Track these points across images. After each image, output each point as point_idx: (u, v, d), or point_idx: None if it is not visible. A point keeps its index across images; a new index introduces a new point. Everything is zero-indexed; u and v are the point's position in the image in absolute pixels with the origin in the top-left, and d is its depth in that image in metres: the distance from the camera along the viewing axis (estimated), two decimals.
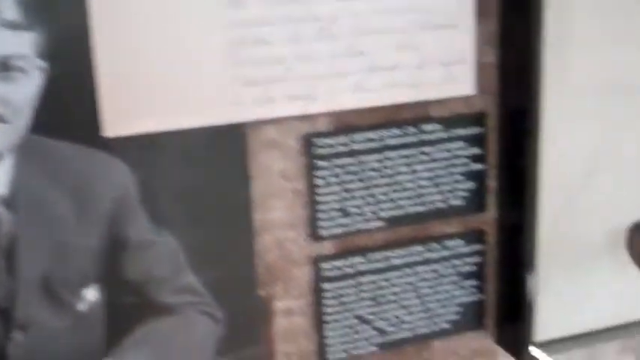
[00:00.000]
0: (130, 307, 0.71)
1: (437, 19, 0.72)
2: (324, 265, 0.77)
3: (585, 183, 0.78)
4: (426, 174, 0.77)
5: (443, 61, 0.73)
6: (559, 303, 0.80)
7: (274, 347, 0.78)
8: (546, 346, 0.80)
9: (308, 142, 0.73)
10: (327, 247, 0.77)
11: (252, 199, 0.72)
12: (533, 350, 0.80)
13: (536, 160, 0.76)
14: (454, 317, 0.82)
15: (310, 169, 0.74)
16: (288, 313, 0.77)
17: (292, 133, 0.73)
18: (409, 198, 0.77)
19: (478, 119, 0.78)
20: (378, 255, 0.78)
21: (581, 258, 0.81)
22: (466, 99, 0.77)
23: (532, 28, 0.74)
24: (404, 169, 0.76)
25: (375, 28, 0.70)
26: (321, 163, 0.74)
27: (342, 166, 0.74)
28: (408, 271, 0.79)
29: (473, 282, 0.82)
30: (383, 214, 0.77)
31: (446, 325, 0.82)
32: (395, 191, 0.77)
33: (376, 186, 0.76)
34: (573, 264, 0.81)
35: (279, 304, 0.77)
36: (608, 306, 0.80)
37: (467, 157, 0.78)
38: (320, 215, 0.75)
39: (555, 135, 0.76)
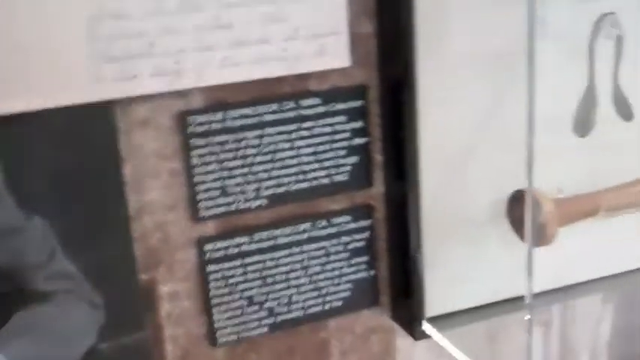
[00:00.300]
0: (3, 295, 0.68)
1: None
2: (208, 247, 0.75)
3: (466, 154, 0.78)
4: (307, 150, 0.77)
5: (314, 33, 0.72)
6: (449, 277, 0.80)
7: (162, 332, 0.76)
8: (438, 321, 0.80)
9: (182, 120, 0.72)
10: (210, 228, 0.75)
11: (125, 180, 0.71)
12: (425, 326, 0.79)
13: (415, 133, 0.76)
14: (347, 295, 0.81)
15: (186, 147, 0.72)
16: (174, 296, 0.76)
17: (165, 111, 0.71)
18: (292, 175, 0.77)
19: (358, 92, 0.77)
20: (263, 234, 0.77)
21: (468, 231, 0.80)
22: (346, 72, 0.76)
23: None
24: (284, 145, 0.76)
25: (241, 1, 0.69)
26: (196, 141, 0.72)
27: (219, 144, 0.73)
28: (295, 249, 0.78)
29: (364, 258, 0.81)
30: (265, 192, 0.76)
31: (339, 304, 0.81)
32: (276, 168, 0.76)
33: (256, 163, 0.75)
34: (461, 237, 0.80)
35: (164, 288, 0.75)
36: (496, 279, 0.80)
37: (349, 131, 0.78)
38: (199, 196, 0.74)
39: (433, 106, 0.76)
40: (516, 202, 0.75)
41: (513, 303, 0.79)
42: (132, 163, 0.71)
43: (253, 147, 0.75)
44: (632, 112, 0.77)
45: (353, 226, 0.80)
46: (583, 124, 0.75)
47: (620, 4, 0.75)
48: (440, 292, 0.80)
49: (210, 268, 0.76)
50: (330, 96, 0.76)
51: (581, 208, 0.74)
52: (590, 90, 0.74)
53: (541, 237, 0.72)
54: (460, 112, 0.77)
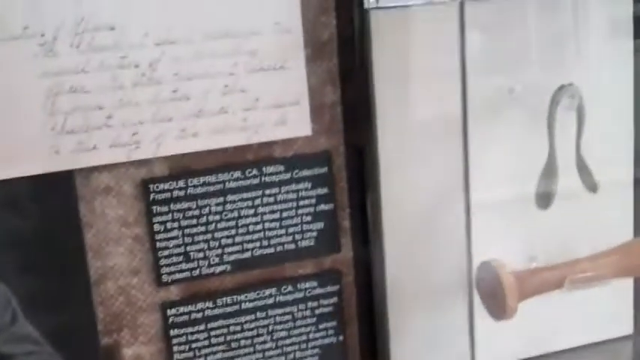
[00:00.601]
0: None
1: (264, 63, 0.72)
2: (171, 312, 0.76)
3: (430, 221, 0.78)
4: (271, 216, 0.77)
5: (274, 103, 0.74)
6: (415, 345, 0.79)
7: None
8: None
9: (144, 188, 0.73)
10: (174, 293, 0.77)
11: (87, 246, 0.72)
12: None
13: (378, 199, 0.76)
14: None
15: (148, 214, 0.74)
16: (138, 359, 0.77)
17: (128, 179, 0.73)
18: (256, 241, 0.77)
19: (323, 159, 0.78)
20: (227, 299, 0.78)
21: (435, 298, 0.79)
22: (311, 139, 0.77)
23: (366, 66, 0.74)
24: (248, 211, 0.76)
25: (198, 73, 0.71)
26: (158, 208, 0.74)
27: (181, 211, 0.75)
28: (260, 314, 0.79)
29: (332, 324, 0.81)
30: (229, 258, 0.77)
31: None
32: (240, 234, 0.77)
33: (219, 229, 0.76)
34: (427, 305, 0.79)
35: (129, 352, 0.77)
36: (462, 347, 0.79)
37: (314, 197, 0.78)
38: (162, 261, 0.75)
39: (396, 173, 0.76)
40: (481, 273, 0.74)
41: None
42: (95, 229, 0.73)
43: (216, 213, 0.76)
44: (596, 184, 0.75)
45: (320, 291, 0.80)
46: (544, 196, 0.74)
47: (584, 74, 0.74)
48: (406, 357, 0.79)
49: (174, 332, 0.77)
50: (294, 163, 0.77)
51: (546, 280, 0.73)
52: (550, 161, 0.73)
53: (501, 310, 0.71)
54: (422, 178, 0.77)
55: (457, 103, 0.76)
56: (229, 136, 0.73)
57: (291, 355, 0.81)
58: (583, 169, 0.74)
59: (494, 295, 0.71)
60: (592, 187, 0.74)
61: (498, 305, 0.71)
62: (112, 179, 0.73)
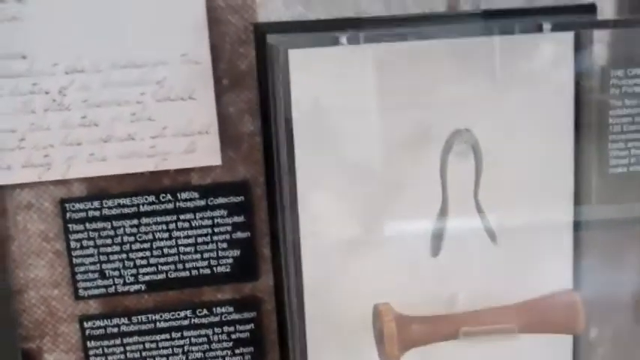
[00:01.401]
0: None
1: (172, 93, 0.74)
2: (88, 324, 0.80)
3: (346, 257, 0.77)
4: (186, 241, 0.79)
5: (182, 132, 0.75)
6: None
7: None
8: None
9: (62, 206, 0.77)
10: (92, 307, 0.80)
11: (10, 257, 0.78)
12: None
13: (297, 229, 0.76)
14: None
15: (66, 231, 0.78)
16: None
17: (48, 197, 0.78)
18: (170, 263, 0.80)
19: (240, 188, 0.79)
20: (142, 317, 0.81)
21: (350, 332, 0.78)
22: (229, 168, 0.78)
23: (283, 97, 0.75)
24: (163, 235, 0.79)
25: (106, 101, 0.74)
26: (74, 226, 0.78)
27: (96, 230, 0.78)
28: (175, 334, 0.81)
29: (249, 349, 0.82)
30: (144, 278, 0.80)
31: None
32: (154, 256, 0.79)
33: (134, 250, 0.79)
34: (342, 339, 0.78)
35: (50, 358, 0.81)
36: None
37: (230, 225, 0.79)
38: (78, 276, 0.79)
39: (312, 205, 0.76)
40: (373, 316, 0.73)
41: None
42: (18, 242, 0.78)
43: (130, 235, 0.79)
44: (494, 232, 0.71)
45: (237, 317, 0.82)
46: (436, 243, 0.71)
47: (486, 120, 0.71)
48: None
49: (91, 344, 0.81)
50: (209, 191, 0.78)
51: (439, 329, 0.70)
52: (443, 208, 0.70)
53: (384, 357, 0.69)
54: (338, 213, 0.76)
55: (372, 139, 0.74)
56: (137, 162, 0.76)
57: None
58: (483, 217, 0.70)
59: (381, 339, 0.69)
60: (492, 236, 0.71)
61: (383, 351, 0.69)
62: (33, 196, 0.77)
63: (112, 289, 0.80)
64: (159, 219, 0.78)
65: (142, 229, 0.78)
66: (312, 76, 0.71)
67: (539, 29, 0.69)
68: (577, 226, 0.78)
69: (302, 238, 0.74)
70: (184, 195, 0.78)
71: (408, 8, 0.79)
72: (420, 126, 0.71)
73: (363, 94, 0.73)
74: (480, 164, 0.68)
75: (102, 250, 0.79)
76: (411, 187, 0.71)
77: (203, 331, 0.81)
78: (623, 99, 0.80)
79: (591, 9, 0.79)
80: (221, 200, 0.79)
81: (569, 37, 0.77)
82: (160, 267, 0.80)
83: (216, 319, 0.81)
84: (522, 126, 0.73)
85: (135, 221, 0.78)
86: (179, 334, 0.81)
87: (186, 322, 0.81)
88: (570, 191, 0.77)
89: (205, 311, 0.81)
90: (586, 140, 0.78)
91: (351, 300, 0.75)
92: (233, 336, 0.82)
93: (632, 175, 0.81)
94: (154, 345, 0.81)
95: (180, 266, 0.80)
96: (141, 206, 0.78)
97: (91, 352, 0.81)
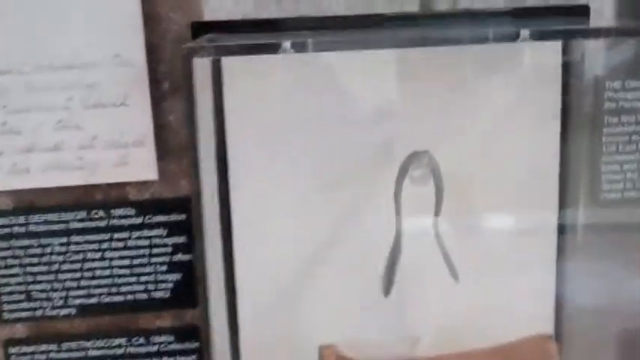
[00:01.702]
0: None
1: (103, 98, 0.67)
2: (14, 350, 0.73)
3: (283, 294, 0.68)
4: (121, 262, 0.72)
5: (114, 142, 0.67)
6: None
7: None
8: None
9: None
10: (19, 331, 0.73)
11: None
12: None
13: (231, 253, 0.68)
14: None
15: None
16: None
17: None
18: (103, 286, 0.72)
19: (182, 205, 0.71)
20: (72, 344, 0.73)
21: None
22: (170, 182, 0.70)
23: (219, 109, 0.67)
24: (94, 255, 0.71)
25: (29, 106, 0.66)
26: None
27: (22, 248, 0.71)
28: None
29: None
30: (74, 302, 0.72)
31: None
32: (85, 278, 0.72)
33: (63, 271, 0.71)
34: None
35: None
36: None
37: (170, 245, 0.71)
38: (4, 298, 0.72)
39: (248, 226, 0.68)
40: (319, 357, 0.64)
41: None
42: None
43: (59, 254, 0.71)
44: (456, 271, 0.61)
45: (177, 346, 0.74)
46: (388, 281, 0.62)
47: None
48: None
49: None
50: (147, 207, 0.70)
51: None
52: (396, 241, 0.61)
53: None
54: (277, 235, 0.68)
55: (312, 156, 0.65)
56: (64, 175, 0.68)
57: None
58: (443, 251, 0.61)
59: None
60: (454, 274, 0.61)
61: None
62: None
63: (39, 312, 0.72)
64: (90, 237, 0.71)
65: (72, 247, 0.71)
66: (250, 85, 0.62)
67: (516, 37, 0.59)
68: (561, 257, 0.68)
69: (237, 269, 0.66)
70: (119, 211, 0.70)
71: (375, 7, 0.70)
72: (379, 146, 0.62)
73: (308, 107, 0.64)
74: (441, 191, 0.59)
75: (28, 269, 0.71)
76: (365, 214, 0.62)
77: None
78: (619, 115, 0.70)
79: (584, 11, 0.69)
80: (160, 218, 0.71)
81: (556, 42, 0.67)
82: (91, 290, 0.72)
83: (154, 348, 0.73)
84: (500, 146, 0.63)
85: (64, 239, 0.71)
86: None
87: (120, 351, 0.73)
88: (554, 219, 0.67)
89: (142, 339, 0.73)
90: (575, 161, 0.69)
91: (295, 343, 0.66)
92: None
93: (626, 202, 0.71)
94: None
95: (114, 290, 0.72)
96: (70, 223, 0.70)
97: None
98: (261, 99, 0.64)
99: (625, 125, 0.70)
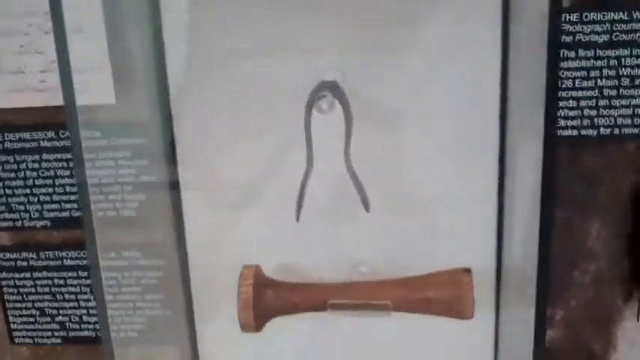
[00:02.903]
0: None
1: None
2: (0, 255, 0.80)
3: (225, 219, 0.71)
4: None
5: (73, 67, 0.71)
6: None
7: None
8: None
9: None
10: (4, 239, 0.80)
11: None
12: None
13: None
14: (144, 322, 0.80)
15: None
16: None
17: None
18: (73, 201, 0.77)
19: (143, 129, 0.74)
20: (50, 253, 0.79)
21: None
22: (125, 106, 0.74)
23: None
24: (64, 172, 0.76)
25: None
26: None
27: (0, 163, 0.77)
28: (82, 273, 0.79)
29: (158, 296, 0.79)
30: (48, 215, 0.78)
31: (134, 335, 0.81)
32: (57, 193, 0.77)
33: (37, 186, 0.77)
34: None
35: None
36: None
37: (134, 167, 0.75)
38: None
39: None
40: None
41: None
42: None
43: (33, 170, 0.76)
44: (367, 200, 0.62)
45: (145, 262, 0.78)
46: (297, 207, 0.63)
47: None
48: None
49: (3, 275, 0.80)
50: (112, 129, 0.74)
51: (306, 298, 0.63)
52: (306, 173, 0.61)
53: (241, 325, 0.64)
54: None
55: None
56: (27, 97, 0.72)
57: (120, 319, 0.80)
58: (356, 182, 0.61)
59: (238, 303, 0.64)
60: (366, 205, 0.62)
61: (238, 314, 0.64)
62: None
63: (19, 223, 0.78)
64: (59, 156, 0.75)
65: (44, 164, 0.76)
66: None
67: None
68: (501, 200, 0.68)
69: (183, 191, 0.69)
70: (86, 133, 0.74)
71: None
72: (312, 80, 0.62)
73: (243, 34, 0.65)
74: (350, 121, 0.59)
75: (7, 183, 0.77)
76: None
77: (112, 274, 0.79)
78: (576, 49, 0.67)
79: None
80: (124, 141, 0.74)
81: None
82: (63, 205, 0.77)
83: (125, 262, 0.78)
84: (436, 84, 0.62)
85: (37, 156, 0.76)
86: (86, 273, 0.79)
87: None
88: (495, 158, 0.66)
89: (113, 254, 0.78)
90: (523, 97, 0.67)
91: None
92: (142, 281, 0.79)
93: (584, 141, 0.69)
94: (62, 282, 0.80)
95: None
96: (41, 141, 0.75)
97: (4, 283, 0.81)
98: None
99: (582, 60, 0.68)
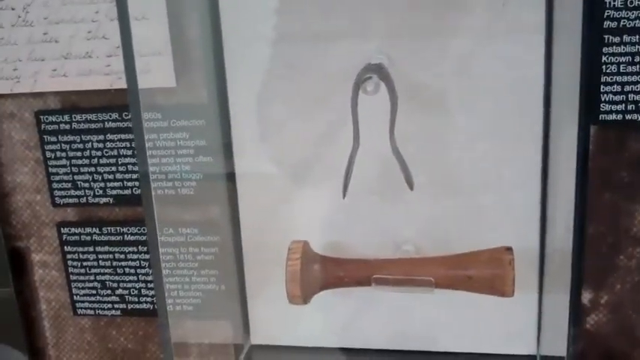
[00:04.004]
0: None
1: None
2: (65, 230, 0.85)
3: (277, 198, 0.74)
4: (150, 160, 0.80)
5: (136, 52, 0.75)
6: None
7: (37, 293, 0.89)
8: None
9: (37, 118, 0.81)
10: (69, 214, 0.85)
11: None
12: None
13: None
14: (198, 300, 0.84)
15: (42, 142, 0.82)
16: (45, 265, 0.87)
17: (28, 108, 0.82)
18: (135, 180, 0.81)
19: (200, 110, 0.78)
20: (111, 229, 0.84)
21: None
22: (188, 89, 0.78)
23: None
24: (127, 152, 0.81)
25: (65, 18, 0.75)
26: (49, 137, 0.82)
27: (67, 143, 0.81)
28: (142, 248, 0.84)
29: (214, 272, 0.83)
30: (111, 192, 0.82)
31: (190, 308, 0.85)
32: (120, 172, 0.81)
33: (101, 165, 0.82)
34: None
35: (36, 257, 0.87)
36: None
37: (192, 147, 0.79)
38: (54, 185, 0.83)
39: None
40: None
41: None
42: (5, 148, 0.84)
43: (98, 149, 0.81)
44: (412, 179, 0.64)
45: (201, 239, 0.82)
46: (344, 185, 0.66)
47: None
48: None
49: (68, 248, 0.85)
50: (172, 112, 0.78)
51: (350, 273, 0.66)
52: (353, 152, 0.64)
53: (289, 298, 0.67)
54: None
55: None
56: (95, 80, 0.77)
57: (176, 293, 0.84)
58: (401, 162, 0.64)
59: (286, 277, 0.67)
60: (410, 182, 0.64)
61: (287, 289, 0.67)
62: (15, 106, 0.82)
63: (83, 200, 0.83)
64: (123, 136, 0.80)
65: (108, 144, 0.80)
66: None
67: None
68: (545, 180, 0.69)
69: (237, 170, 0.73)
70: (148, 115, 0.78)
71: None
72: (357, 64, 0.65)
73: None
74: (395, 102, 0.62)
75: (73, 162, 0.82)
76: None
77: (170, 249, 0.83)
78: (621, 35, 0.69)
79: None
80: (183, 123, 0.78)
81: None
82: (125, 183, 0.81)
83: (182, 239, 0.82)
84: (481, 67, 0.64)
85: (101, 137, 0.80)
86: (145, 248, 0.83)
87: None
88: (539, 143, 0.68)
89: (171, 230, 0.82)
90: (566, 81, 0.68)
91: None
92: (198, 257, 0.83)
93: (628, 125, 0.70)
94: (122, 256, 0.84)
95: None
96: (106, 122, 0.80)
97: (68, 257, 0.85)
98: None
99: (627, 45, 0.69)
